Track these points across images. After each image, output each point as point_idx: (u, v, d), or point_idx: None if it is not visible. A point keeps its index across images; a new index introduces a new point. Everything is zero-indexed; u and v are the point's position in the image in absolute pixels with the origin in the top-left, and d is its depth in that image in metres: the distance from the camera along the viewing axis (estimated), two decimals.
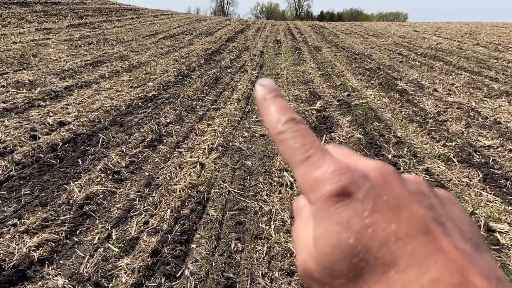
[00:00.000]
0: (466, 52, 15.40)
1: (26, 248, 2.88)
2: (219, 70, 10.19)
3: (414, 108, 7.31)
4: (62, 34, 14.56)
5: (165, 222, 3.32)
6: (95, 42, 13.35)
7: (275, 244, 3.12)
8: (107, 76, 8.73)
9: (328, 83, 9.44)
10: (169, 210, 3.49)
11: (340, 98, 8.00)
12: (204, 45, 14.06)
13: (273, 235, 3.24)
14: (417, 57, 13.76)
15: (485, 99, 8.26)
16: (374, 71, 10.86)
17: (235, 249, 3.07)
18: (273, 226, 3.39)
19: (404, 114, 6.94)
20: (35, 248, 2.89)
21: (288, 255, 3.01)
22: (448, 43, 18.18)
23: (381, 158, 4.99)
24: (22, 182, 3.98)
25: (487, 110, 7.41)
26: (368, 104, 7.62)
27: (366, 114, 6.94)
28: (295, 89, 8.68)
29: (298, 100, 7.81)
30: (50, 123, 5.60)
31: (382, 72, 10.78)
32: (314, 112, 6.98)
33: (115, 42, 13.73)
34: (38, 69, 8.86)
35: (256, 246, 3.12)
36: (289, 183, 4.21)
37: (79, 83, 7.84)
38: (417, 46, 16.89)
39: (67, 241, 3.08)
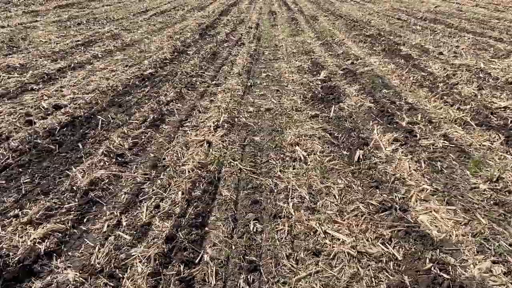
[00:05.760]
0: (467, 13, 15.00)
1: (31, 241, 2.68)
2: (215, 44, 9.83)
3: (422, 73, 7.04)
4: (50, 15, 14.05)
5: (177, 205, 3.11)
6: (85, 22, 12.87)
7: (296, 223, 2.92)
8: (100, 56, 8.39)
9: (330, 52, 9.13)
10: (180, 192, 3.28)
11: (344, 66, 7.72)
12: (197, 20, 13.60)
13: (293, 213, 3.04)
14: (417, 21, 13.36)
15: (492, 59, 7.99)
16: (375, 38, 10.52)
17: (254, 230, 2.88)
18: (291, 204, 3.19)
19: (413, 80, 6.68)
20: (40, 240, 2.68)
21: (312, 233, 2.81)
22: (446, 5, 17.71)
23: (395, 125, 4.77)
24: (21, 170, 3.75)
25: (497, 70, 7.16)
26: (373, 72, 7.34)
27: (373, 82, 6.68)
28: (296, 60, 8.37)
29: (301, 71, 7.52)
30: (45, 107, 5.34)
31: (384, 38, 10.43)
32: (319, 82, 6.71)
33: (105, 21, 13.25)
34: (28, 52, 8.51)
35: (277, 226, 2.92)
36: (302, 158, 4.00)
37: (72, 64, 7.51)
38: (416, 10, 16.43)
39: (75, 230, 2.88)
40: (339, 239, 2.72)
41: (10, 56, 8.13)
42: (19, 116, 5.00)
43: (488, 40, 9.87)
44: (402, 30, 11.72)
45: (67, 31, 11.17)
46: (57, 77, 6.80)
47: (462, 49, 8.91)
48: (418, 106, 5.46)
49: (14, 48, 8.95)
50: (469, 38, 10.12)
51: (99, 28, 11.80)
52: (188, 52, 9.00)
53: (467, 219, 2.94)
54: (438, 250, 2.62)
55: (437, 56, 8.38)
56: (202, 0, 20.86)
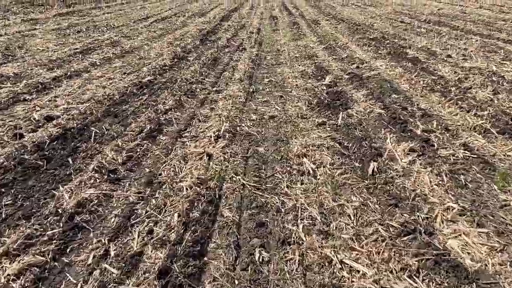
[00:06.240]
0: (471, 15, 14.70)
1: (5, 278, 2.34)
2: (216, 50, 9.52)
3: (432, 77, 6.70)
4: (50, 23, 13.80)
5: (172, 230, 2.77)
6: (84, 29, 12.60)
7: (308, 250, 2.57)
8: (98, 63, 8.09)
9: (334, 56, 8.81)
10: (176, 214, 2.94)
11: (349, 71, 7.39)
12: (198, 26, 13.32)
13: (304, 238, 2.70)
14: (421, 23, 13.05)
15: (504, 62, 7.65)
16: (379, 41, 10.19)
17: (260, 259, 2.52)
18: (301, 226, 2.84)
19: (423, 84, 6.33)
20: (15, 277, 2.34)
21: (327, 263, 2.46)
22: (450, 8, 17.41)
23: (409, 134, 4.42)
24: (3, 190, 3.42)
25: (511, 73, 6.81)
26: (381, 76, 7.01)
27: (381, 86, 6.34)
28: (299, 65, 8.05)
29: (305, 76, 7.20)
30: (36, 118, 5.02)
31: (388, 41, 10.10)
32: (325, 87, 6.38)
33: (105, 28, 12.98)
34: (24, 60, 8.21)
35: (286, 254, 2.57)
36: (311, 171, 3.66)
37: (68, 73, 7.21)
38: (419, 13, 16.12)
39: (55, 263, 2.53)
40: (358, 271, 2.36)
41: (5, 65, 7.84)
42: (7, 129, 4.68)
43: (496, 42, 9.55)
44: (406, 33, 11.39)
45: (66, 39, 10.90)
46: (51, 86, 6.49)
47: (471, 51, 8.57)
48: (432, 112, 5.12)
49: (10, 56, 8.66)
50: (476, 40, 9.79)
51: (99, 35, 11.53)
52: (189, 58, 8.69)
53: (502, 244, 2.59)
54: (475, 284, 2.26)
55: (445, 59, 8.04)
56: (203, 6, 20.64)
